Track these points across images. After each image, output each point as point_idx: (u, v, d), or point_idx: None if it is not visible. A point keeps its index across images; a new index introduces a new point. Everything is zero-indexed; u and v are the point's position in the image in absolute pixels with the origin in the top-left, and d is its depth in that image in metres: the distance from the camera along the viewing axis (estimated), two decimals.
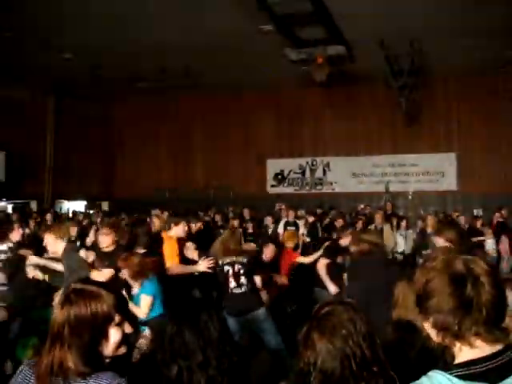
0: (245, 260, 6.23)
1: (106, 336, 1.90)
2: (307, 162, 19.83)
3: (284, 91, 19.00)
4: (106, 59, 15.26)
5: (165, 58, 15.10)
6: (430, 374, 1.49)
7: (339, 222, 12.50)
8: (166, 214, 14.01)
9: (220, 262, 6.27)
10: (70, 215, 16.79)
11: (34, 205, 18.51)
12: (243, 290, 6.17)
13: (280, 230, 12.59)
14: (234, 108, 20.33)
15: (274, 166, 20.23)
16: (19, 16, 12.08)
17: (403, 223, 12.22)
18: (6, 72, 16.42)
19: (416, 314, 2.18)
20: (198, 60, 15.37)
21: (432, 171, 18.13)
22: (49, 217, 13.34)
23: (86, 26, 12.66)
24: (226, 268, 6.20)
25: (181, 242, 6.90)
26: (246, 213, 14.25)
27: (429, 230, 11.45)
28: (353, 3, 11.26)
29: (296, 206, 15.34)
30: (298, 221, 13.10)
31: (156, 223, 9.97)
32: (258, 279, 6.43)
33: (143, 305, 5.19)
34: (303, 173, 19.92)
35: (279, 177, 20.20)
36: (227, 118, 20.43)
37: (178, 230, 6.86)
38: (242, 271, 6.14)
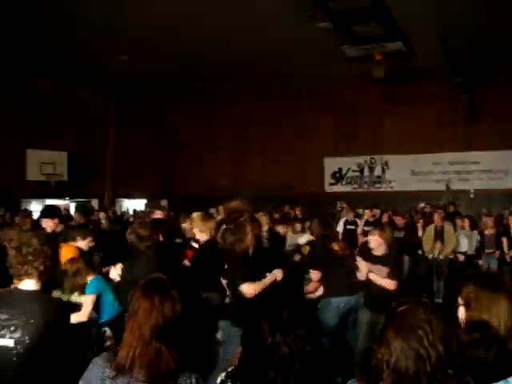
0: None
1: None
2: (365, 161, 19.66)
3: (342, 89, 18.80)
4: (162, 60, 15.44)
5: (221, 58, 15.16)
6: (509, 379, 1.42)
7: (399, 221, 12.41)
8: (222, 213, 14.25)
9: None
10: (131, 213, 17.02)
11: (95, 203, 18.98)
12: None
13: (339, 228, 12.43)
14: (291, 107, 20.28)
15: (331, 164, 20.11)
16: (82, 19, 12.42)
17: (466, 223, 11.83)
18: (69, 74, 16.91)
19: (491, 315, 2.13)
20: (253, 60, 15.42)
21: (494, 169, 17.65)
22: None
23: (146, 27, 12.84)
24: None
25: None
26: (299, 211, 14.17)
27: (486, 231, 11.22)
28: None
29: (354, 204, 15.15)
30: (357, 219, 12.95)
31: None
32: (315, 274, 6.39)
33: (84, 305, 4.81)
34: (361, 171, 19.76)
35: (337, 175, 20.09)
36: (284, 116, 20.41)
37: None
38: None
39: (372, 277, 5.72)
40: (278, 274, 4.77)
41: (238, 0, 11.30)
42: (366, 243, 6.58)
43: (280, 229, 8.94)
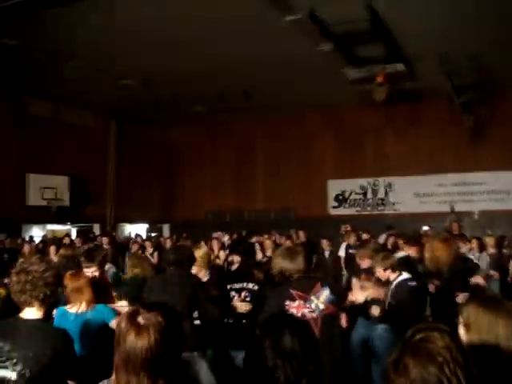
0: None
1: None
2: (369, 183, 19.64)
3: (344, 111, 18.92)
4: (164, 84, 15.55)
5: (222, 81, 15.23)
6: None
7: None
8: (226, 236, 14.48)
9: None
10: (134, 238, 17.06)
11: (96, 228, 19.00)
12: None
13: (341, 253, 12.40)
14: (294, 129, 20.42)
15: (335, 186, 20.10)
16: (83, 46, 12.60)
17: (473, 244, 11.68)
18: (69, 98, 17.04)
19: (491, 337, 2.14)
20: (254, 82, 15.56)
21: (499, 190, 17.57)
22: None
23: (145, 52, 13.02)
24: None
25: None
26: (302, 235, 14.08)
27: (487, 251, 11.09)
28: (411, 19, 11.19)
29: (358, 227, 15.05)
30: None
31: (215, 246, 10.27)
32: None
33: None
34: (365, 193, 19.72)
35: (340, 197, 20.06)
36: (287, 139, 20.57)
37: None
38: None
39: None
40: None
41: (236, 25, 11.45)
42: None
43: None
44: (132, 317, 2.01)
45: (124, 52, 13.00)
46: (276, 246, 10.69)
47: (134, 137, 20.43)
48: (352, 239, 12.58)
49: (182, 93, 16.28)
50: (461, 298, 5.13)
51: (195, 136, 21.98)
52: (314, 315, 3.88)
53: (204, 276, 6.24)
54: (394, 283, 5.87)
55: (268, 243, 11.17)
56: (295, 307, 3.88)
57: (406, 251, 8.47)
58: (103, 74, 14.36)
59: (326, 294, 3.97)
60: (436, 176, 18.36)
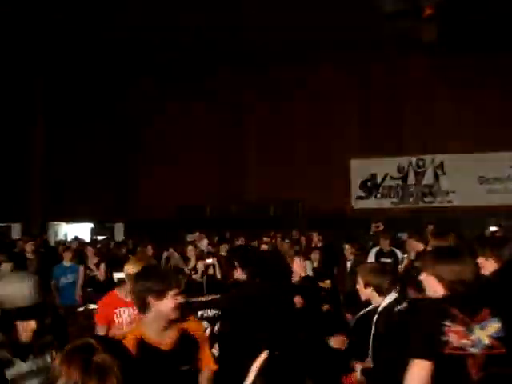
0: None
1: None
2: (410, 163, 19.47)
3: (376, 60, 18.73)
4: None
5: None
6: None
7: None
8: (205, 240, 14.30)
9: None
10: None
11: (17, 230, 18.88)
12: None
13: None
14: (301, 87, 20.10)
15: (360, 169, 19.94)
16: None
17: None
18: None
19: None
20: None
21: None
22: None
23: None
24: None
25: None
26: (316, 238, 14.09)
27: None
28: None
29: (393, 227, 15.05)
30: (396, 250, 12.64)
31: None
32: None
33: None
34: (405, 178, 19.57)
35: (368, 185, 19.93)
36: (290, 102, 20.27)
37: None
38: None
39: None
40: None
41: None
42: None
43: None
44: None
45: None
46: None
47: (69, 99, 20.32)
48: (386, 243, 12.41)
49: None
50: None
51: (160, 100, 21.75)
52: (475, 351, 3.77)
53: None
54: None
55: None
56: (455, 333, 3.80)
57: None
58: None
59: (495, 326, 3.83)
60: (510, 153, 18.23)
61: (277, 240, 14.39)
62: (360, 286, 5.75)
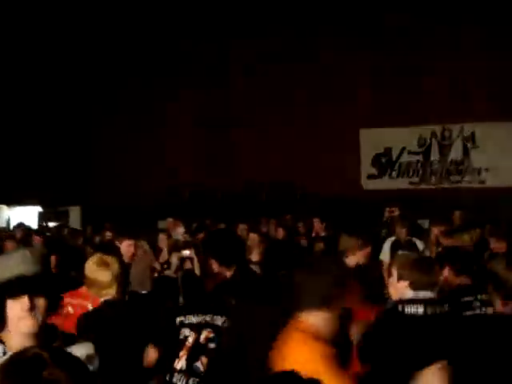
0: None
1: None
2: (434, 133, 19.30)
3: (387, 9, 18.66)
4: None
5: None
6: None
7: (498, 247, 11.74)
8: (181, 228, 14.30)
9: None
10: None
11: None
12: None
13: (384, 255, 12.19)
14: (298, 42, 20.05)
15: (372, 141, 19.86)
16: None
17: None
18: None
19: None
20: None
21: None
22: None
23: None
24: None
25: None
26: (318, 225, 14.26)
27: None
28: None
29: (412, 212, 15.01)
30: (416, 239, 12.42)
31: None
32: None
33: None
34: (427, 153, 19.42)
35: (382, 160, 19.82)
36: (286, 62, 20.11)
37: None
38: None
39: None
40: None
41: None
42: None
43: None
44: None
45: None
46: (266, 242, 10.30)
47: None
48: (403, 232, 12.47)
49: None
50: None
51: (124, 57, 21.60)
52: None
53: None
54: None
55: (253, 238, 10.93)
56: None
57: None
58: None
59: None
60: None
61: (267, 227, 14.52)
62: (392, 278, 5.71)
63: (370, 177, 20.05)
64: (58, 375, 2.21)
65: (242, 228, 12.86)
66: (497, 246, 11.59)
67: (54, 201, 21.36)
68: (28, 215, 20.48)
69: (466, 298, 6.45)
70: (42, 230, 16.98)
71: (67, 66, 21.53)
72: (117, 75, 22.11)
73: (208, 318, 5.82)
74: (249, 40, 20.63)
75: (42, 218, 21.08)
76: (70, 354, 2.47)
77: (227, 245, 6.82)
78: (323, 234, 13.56)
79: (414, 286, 5.37)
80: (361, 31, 19.44)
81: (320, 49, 19.86)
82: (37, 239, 13.03)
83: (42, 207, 21.62)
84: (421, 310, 5.55)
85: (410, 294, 5.55)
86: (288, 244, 8.40)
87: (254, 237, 10.83)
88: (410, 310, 5.67)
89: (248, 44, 20.64)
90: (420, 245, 12.00)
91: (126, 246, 8.92)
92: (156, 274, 10.92)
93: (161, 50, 21.42)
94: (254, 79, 20.80)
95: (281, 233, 13.19)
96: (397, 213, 15.07)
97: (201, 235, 12.37)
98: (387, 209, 15.88)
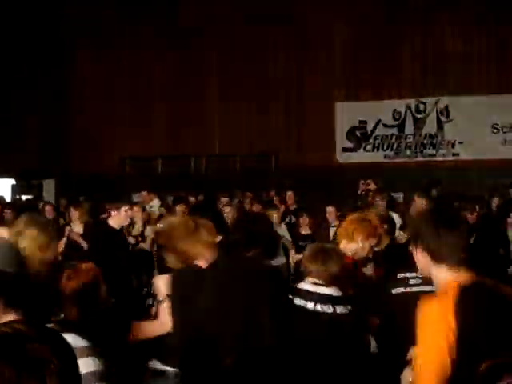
0: None
1: None
2: (408, 107, 19.30)
3: None
4: None
5: None
6: None
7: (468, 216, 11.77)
8: (156, 200, 14.49)
9: None
10: None
11: None
12: None
13: None
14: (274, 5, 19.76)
15: (347, 114, 19.79)
16: None
17: None
18: None
19: None
20: None
21: None
22: None
23: None
24: None
25: None
26: (290, 197, 14.37)
27: None
28: None
29: (388, 185, 14.97)
30: (393, 213, 12.41)
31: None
32: None
33: None
34: (401, 126, 19.43)
35: (357, 134, 19.79)
36: (258, 28, 19.84)
37: None
38: None
39: None
40: None
41: None
42: None
43: None
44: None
45: None
46: (243, 214, 10.52)
47: None
48: (382, 205, 12.14)
49: None
50: None
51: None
52: None
53: None
54: None
55: (229, 211, 11.33)
56: None
57: None
58: None
59: None
60: None
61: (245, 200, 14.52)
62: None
63: (345, 150, 20.00)
64: (41, 348, 2.10)
65: (223, 201, 13.06)
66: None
67: (27, 173, 21.16)
68: (1, 188, 20.23)
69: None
70: (14, 203, 16.89)
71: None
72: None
73: None
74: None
75: (15, 191, 20.90)
76: (52, 329, 2.36)
77: (211, 218, 6.86)
78: (293, 208, 13.65)
79: None
80: (336, 3, 19.40)
81: (296, 16, 19.75)
82: (9, 213, 12.84)
83: (15, 180, 21.45)
84: None
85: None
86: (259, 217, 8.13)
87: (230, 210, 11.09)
88: None
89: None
90: (397, 219, 12.03)
91: (124, 211, 9.09)
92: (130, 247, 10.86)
93: None
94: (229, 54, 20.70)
95: (258, 207, 12.97)
96: (372, 186, 14.69)
97: (179, 208, 12.40)
98: (362, 182, 15.60)
